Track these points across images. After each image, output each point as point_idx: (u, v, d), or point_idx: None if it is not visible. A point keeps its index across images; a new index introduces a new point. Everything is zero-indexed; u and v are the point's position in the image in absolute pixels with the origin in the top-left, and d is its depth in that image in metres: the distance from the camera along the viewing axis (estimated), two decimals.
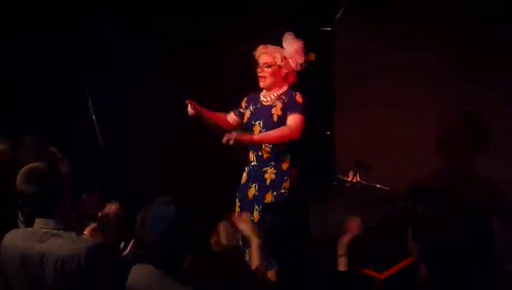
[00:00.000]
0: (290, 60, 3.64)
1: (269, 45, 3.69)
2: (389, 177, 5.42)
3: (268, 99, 3.69)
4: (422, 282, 1.77)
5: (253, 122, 3.67)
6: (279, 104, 3.62)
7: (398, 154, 5.31)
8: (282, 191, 3.59)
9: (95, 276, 2.29)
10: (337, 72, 5.75)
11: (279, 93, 3.67)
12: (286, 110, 3.59)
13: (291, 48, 3.64)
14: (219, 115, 3.88)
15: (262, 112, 3.68)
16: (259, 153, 3.66)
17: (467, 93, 4.78)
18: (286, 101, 3.62)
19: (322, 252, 2.87)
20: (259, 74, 3.67)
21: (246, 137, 3.47)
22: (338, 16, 5.51)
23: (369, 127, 5.47)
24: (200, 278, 2.18)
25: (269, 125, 3.59)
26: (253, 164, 3.71)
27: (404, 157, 5.26)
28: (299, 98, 3.62)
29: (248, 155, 3.76)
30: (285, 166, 3.63)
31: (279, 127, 3.56)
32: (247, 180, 3.71)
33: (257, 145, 3.63)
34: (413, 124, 5.19)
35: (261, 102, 3.72)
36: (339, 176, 5.87)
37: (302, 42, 3.69)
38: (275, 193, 3.59)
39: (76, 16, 4.21)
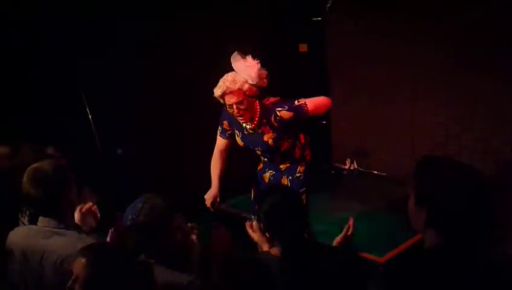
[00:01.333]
0: (256, 84, 3.31)
1: (226, 83, 3.29)
2: (386, 163, 5.47)
3: (252, 126, 3.45)
4: (429, 253, 1.76)
5: (251, 147, 3.56)
6: (267, 130, 3.42)
7: (394, 140, 5.36)
8: (298, 175, 3.58)
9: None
10: (329, 61, 5.77)
11: (257, 118, 3.41)
12: (281, 128, 3.41)
13: (252, 72, 3.28)
14: (218, 170, 3.61)
15: (255, 140, 3.49)
16: (271, 160, 3.64)
17: (458, 80, 4.82)
18: (276, 124, 3.39)
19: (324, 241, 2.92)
20: (237, 114, 3.35)
21: None
22: (328, 5, 5.53)
23: (364, 114, 5.51)
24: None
25: (268, 149, 3.52)
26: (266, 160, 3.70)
27: (400, 143, 5.31)
28: (283, 114, 3.37)
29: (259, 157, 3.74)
30: (298, 153, 3.59)
31: (278, 147, 3.48)
32: (263, 167, 3.71)
33: (266, 154, 3.61)
34: (406, 110, 5.24)
35: (245, 129, 3.50)
36: (336, 164, 5.91)
37: (255, 61, 3.30)
38: (290, 177, 3.58)
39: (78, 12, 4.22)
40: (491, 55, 4.56)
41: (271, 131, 3.42)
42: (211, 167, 3.62)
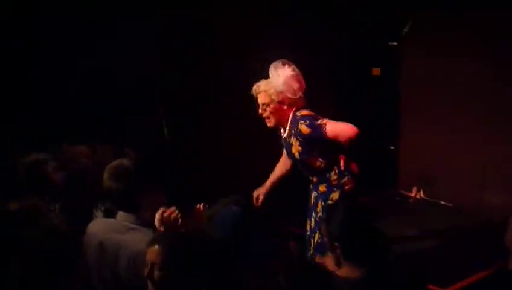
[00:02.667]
0: (285, 91, 3.39)
1: (261, 82, 3.46)
2: (454, 193, 5.32)
3: (286, 134, 3.55)
4: None
5: (289, 157, 3.66)
6: (295, 142, 3.47)
7: (463, 170, 5.21)
8: (330, 202, 3.51)
9: None
10: (402, 86, 5.71)
11: (289, 125, 3.49)
12: (305, 144, 3.44)
13: (279, 80, 3.39)
14: (278, 173, 3.77)
15: (288, 150, 3.58)
16: (310, 178, 3.68)
17: None
18: (301, 139, 3.43)
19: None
20: (262, 115, 3.48)
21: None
22: (405, 30, 5.49)
23: (435, 141, 5.39)
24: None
25: (298, 162, 3.58)
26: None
27: (469, 174, 5.16)
28: (302, 128, 3.39)
29: None
30: (334, 182, 3.55)
31: (302, 162, 3.53)
32: (313, 187, 3.71)
33: (302, 169, 3.64)
34: (479, 141, 5.08)
35: (282, 136, 3.60)
36: (402, 191, 5.80)
37: (291, 68, 3.42)
38: (322, 203, 3.55)
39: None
40: None
41: (297, 144, 3.46)
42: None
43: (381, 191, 5.65)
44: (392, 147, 5.80)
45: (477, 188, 5.03)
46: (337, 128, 3.39)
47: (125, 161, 2.58)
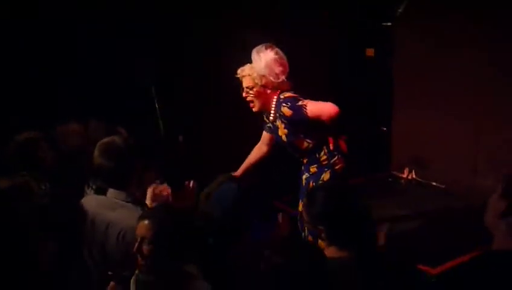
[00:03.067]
0: (267, 75, 3.40)
1: (246, 66, 3.48)
2: (446, 175, 5.35)
3: (272, 118, 3.57)
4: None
5: (277, 140, 3.67)
6: (280, 125, 3.52)
7: (456, 152, 5.23)
8: (320, 182, 3.55)
9: None
10: (396, 67, 5.69)
11: (274, 109, 3.51)
12: (289, 126, 3.48)
13: (261, 64, 3.39)
14: (251, 160, 3.76)
15: (275, 132, 3.61)
16: (301, 160, 3.70)
17: None
18: (285, 121, 3.47)
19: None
20: (246, 99, 3.50)
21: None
22: (399, 11, 5.46)
23: (427, 123, 5.39)
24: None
25: (286, 145, 3.60)
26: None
27: (462, 156, 5.18)
28: (285, 111, 3.41)
29: None
30: (324, 162, 3.58)
31: (290, 144, 3.56)
32: (303, 168, 3.74)
33: (292, 152, 3.66)
34: (473, 123, 5.10)
35: (269, 119, 3.62)
36: (394, 172, 5.83)
37: (273, 51, 3.40)
38: (314, 184, 3.57)
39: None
40: None
41: (283, 126, 3.49)
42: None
43: (374, 172, 5.68)
44: (384, 129, 5.81)
45: (469, 172, 5.06)
46: (318, 108, 3.41)
47: (116, 139, 2.57)
